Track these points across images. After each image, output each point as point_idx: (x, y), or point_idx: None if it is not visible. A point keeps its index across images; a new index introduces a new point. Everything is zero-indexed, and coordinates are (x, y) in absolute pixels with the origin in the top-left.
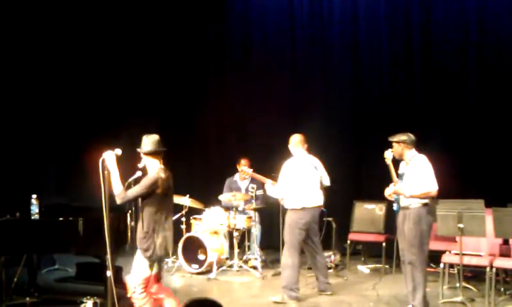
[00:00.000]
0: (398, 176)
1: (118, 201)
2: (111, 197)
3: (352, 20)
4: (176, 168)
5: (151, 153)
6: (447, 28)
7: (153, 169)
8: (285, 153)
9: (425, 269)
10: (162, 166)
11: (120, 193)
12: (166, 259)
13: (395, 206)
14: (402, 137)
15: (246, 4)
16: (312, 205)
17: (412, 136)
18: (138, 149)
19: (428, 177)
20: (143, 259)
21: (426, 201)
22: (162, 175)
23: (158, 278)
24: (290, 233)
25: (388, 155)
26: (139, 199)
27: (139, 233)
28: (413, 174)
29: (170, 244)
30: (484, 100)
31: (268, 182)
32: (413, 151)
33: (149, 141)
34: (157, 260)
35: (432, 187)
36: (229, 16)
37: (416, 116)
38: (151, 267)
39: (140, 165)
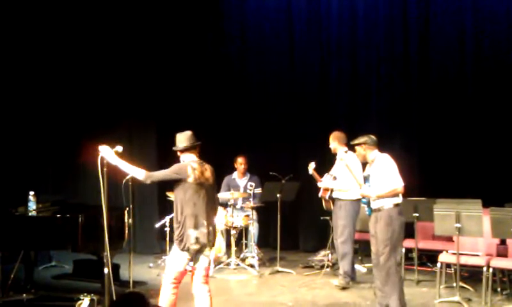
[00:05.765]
0: (364, 179)
1: (148, 181)
2: (110, 195)
3: (350, 19)
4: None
5: (186, 149)
6: (444, 26)
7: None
8: (282, 152)
9: (400, 270)
10: (197, 159)
11: (146, 174)
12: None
13: (367, 210)
14: (363, 138)
15: (243, 5)
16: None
17: (373, 137)
18: (174, 148)
19: (392, 175)
20: (177, 250)
21: (397, 201)
22: (195, 165)
23: (200, 274)
24: (352, 222)
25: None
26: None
27: (174, 223)
28: (377, 174)
29: (205, 237)
30: (482, 100)
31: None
32: (375, 151)
33: (183, 138)
34: (192, 253)
35: (398, 184)
36: (226, 17)
37: (413, 116)
38: (186, 260)
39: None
